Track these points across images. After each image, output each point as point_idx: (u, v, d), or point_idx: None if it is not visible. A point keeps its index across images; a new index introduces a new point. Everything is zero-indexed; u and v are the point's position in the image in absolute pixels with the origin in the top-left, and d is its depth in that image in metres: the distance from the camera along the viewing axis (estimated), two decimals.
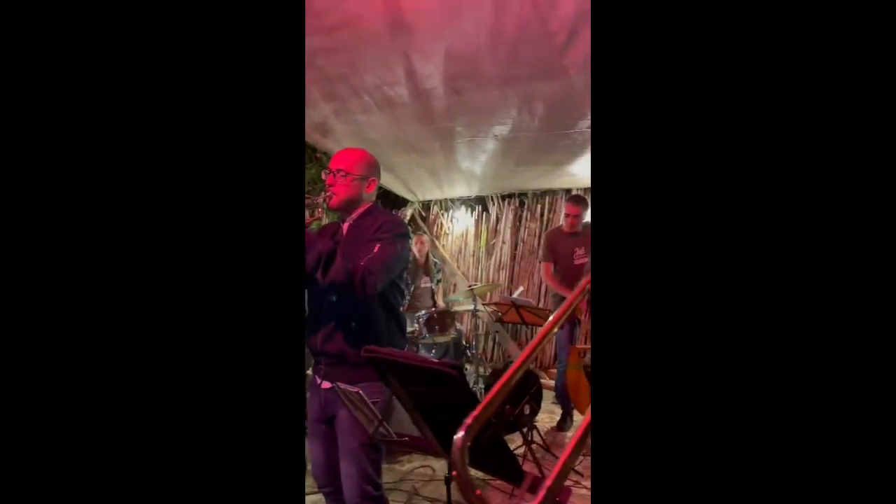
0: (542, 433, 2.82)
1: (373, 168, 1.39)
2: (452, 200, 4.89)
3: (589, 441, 0.55)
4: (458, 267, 4.88)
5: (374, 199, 1.42)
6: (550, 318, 0.72)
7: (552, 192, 4.46)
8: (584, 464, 2.61)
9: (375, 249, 1.23)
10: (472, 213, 4.86)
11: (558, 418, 3.14)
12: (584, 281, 0.75)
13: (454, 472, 0.51)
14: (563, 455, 0.53)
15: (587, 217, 3.06)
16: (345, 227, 1.39)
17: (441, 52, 1.98)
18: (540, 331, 0.62)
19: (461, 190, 4.53)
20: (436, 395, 0.88)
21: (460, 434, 0.53)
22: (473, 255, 4.88)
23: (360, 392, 1.02)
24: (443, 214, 5.01)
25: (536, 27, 1.83)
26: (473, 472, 0.53)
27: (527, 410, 2.89)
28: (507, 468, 0.82)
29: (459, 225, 4.93)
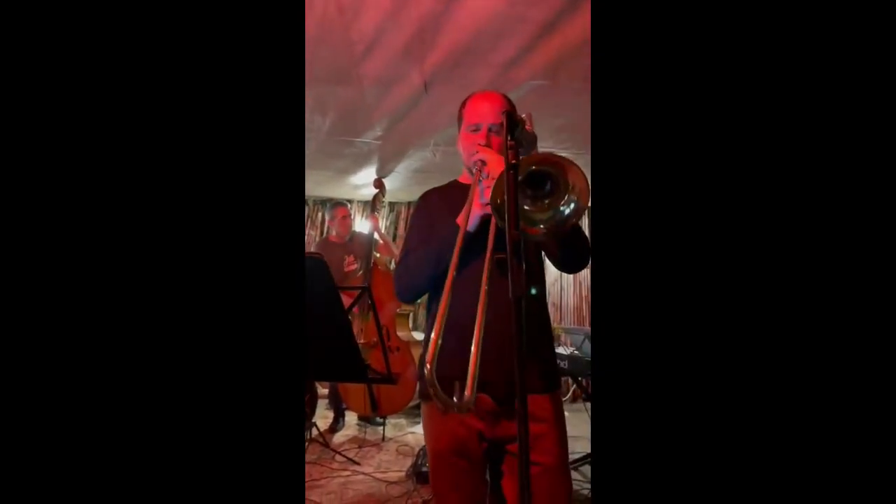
0: (321, 432, 2.84)
1: None
2: None
3: None
4: None
5: None
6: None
7: (331, 200, 4.54)
8: (358, 454, 2.73)
9: None
10: None
11: (331, 421, 3.18)
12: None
13: None
14: None
15: (355, 227, 3.37)
16: None
17: None
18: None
19: None
20: None
21: None
22: None
23: None
24: None
25: (338, 33, 1.94)
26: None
27: None
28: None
29: None
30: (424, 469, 2.34)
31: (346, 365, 0.86)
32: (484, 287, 0.62)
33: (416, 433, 3.08)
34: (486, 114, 1.03)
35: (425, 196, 1.17)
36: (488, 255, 0.69)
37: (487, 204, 0.80)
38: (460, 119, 1.11)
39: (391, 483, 2.36)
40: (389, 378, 1.07)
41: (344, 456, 2.63)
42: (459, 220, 0.91)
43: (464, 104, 1.11)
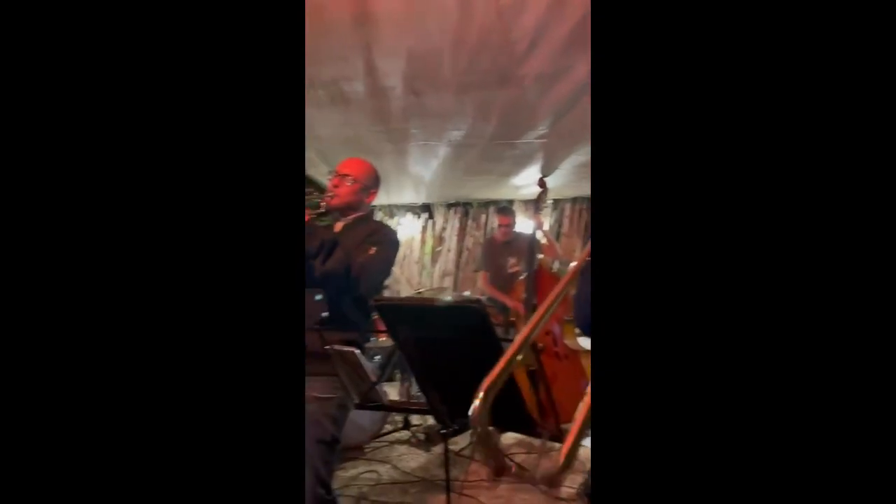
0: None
1: (377, 181, 1.59)
2: (398, 207, 4.87)
3: None
4: (402, 273, 4.85)
5: (370, 208, 1.59)
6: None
7: (495, 203, 4.60)
8: (526, 460, 2.68)
9: (371, 252, 1.33)
10: (418, 219, 4.88)
11: None
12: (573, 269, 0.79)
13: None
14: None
15: (517, 227, 3.31)
16: (337, 227, 1.48)
17: (404, 49, 1.99)
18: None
19: (408, 196, 4.53)
20: (454, 340, 0.87)
21: (476, 402, 0.56)
22: (418, 262, 4.88)
23: (355, 351, 1.03)
24: (386, 220, 4.97)
25: (498, 36, 1.90)
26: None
27: None
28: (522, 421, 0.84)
29: (404, 232, 4.92)
30: None
31: (510, 416, 0.82)
32: None
33: (586, 447, 2.89)
34: None
35: None
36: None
37: None
38: None
39: (561, 500, 2.25)
40: (558, 437, 1.00)
41: (512, 461, 2.61)
42: None
43: None
